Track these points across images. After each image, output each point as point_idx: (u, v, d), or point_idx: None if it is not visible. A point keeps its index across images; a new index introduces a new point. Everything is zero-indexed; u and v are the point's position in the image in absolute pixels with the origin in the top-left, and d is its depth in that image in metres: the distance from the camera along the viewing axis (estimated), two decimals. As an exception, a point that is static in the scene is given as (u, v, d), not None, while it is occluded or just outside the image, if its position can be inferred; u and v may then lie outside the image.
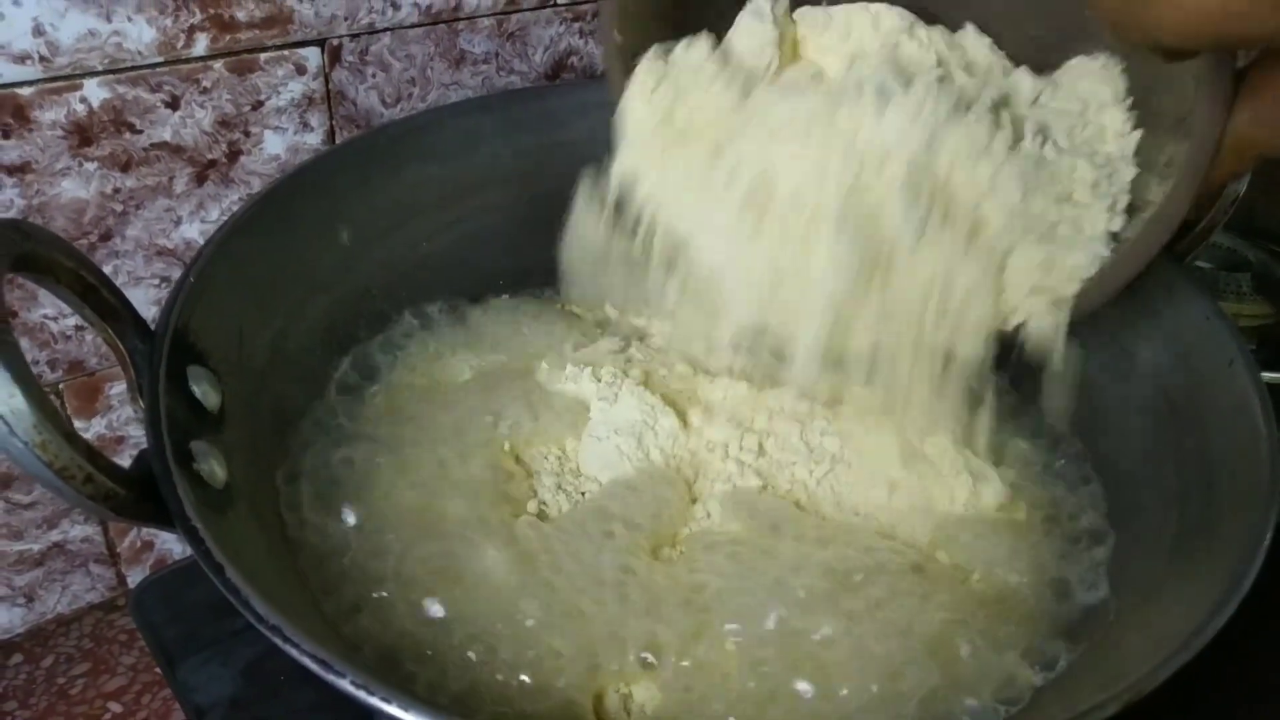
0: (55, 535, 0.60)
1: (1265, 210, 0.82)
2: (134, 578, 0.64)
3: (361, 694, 0.26)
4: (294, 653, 0.27)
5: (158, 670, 0.61)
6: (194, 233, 0.56)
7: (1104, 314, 0.41)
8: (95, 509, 0.30)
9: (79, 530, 0.60)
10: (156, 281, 0.56)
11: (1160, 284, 0.43)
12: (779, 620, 0.40)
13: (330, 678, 0.26)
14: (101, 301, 0.36)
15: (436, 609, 0.40)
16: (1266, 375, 0.41)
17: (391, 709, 0.26)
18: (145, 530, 0.63)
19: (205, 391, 0.37)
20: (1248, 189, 0.49)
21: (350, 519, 0.43)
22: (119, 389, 0.58)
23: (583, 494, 0.47)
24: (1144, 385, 0.45)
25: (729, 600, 0.41)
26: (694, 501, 0.47)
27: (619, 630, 0.40)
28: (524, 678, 0.38)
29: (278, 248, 0.45)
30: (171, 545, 0.65)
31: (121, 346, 0.36)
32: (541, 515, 0.45)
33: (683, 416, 0.49)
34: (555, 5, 0.64)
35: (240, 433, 0.39)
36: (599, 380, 0.50)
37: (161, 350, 0.36)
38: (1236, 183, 0.44)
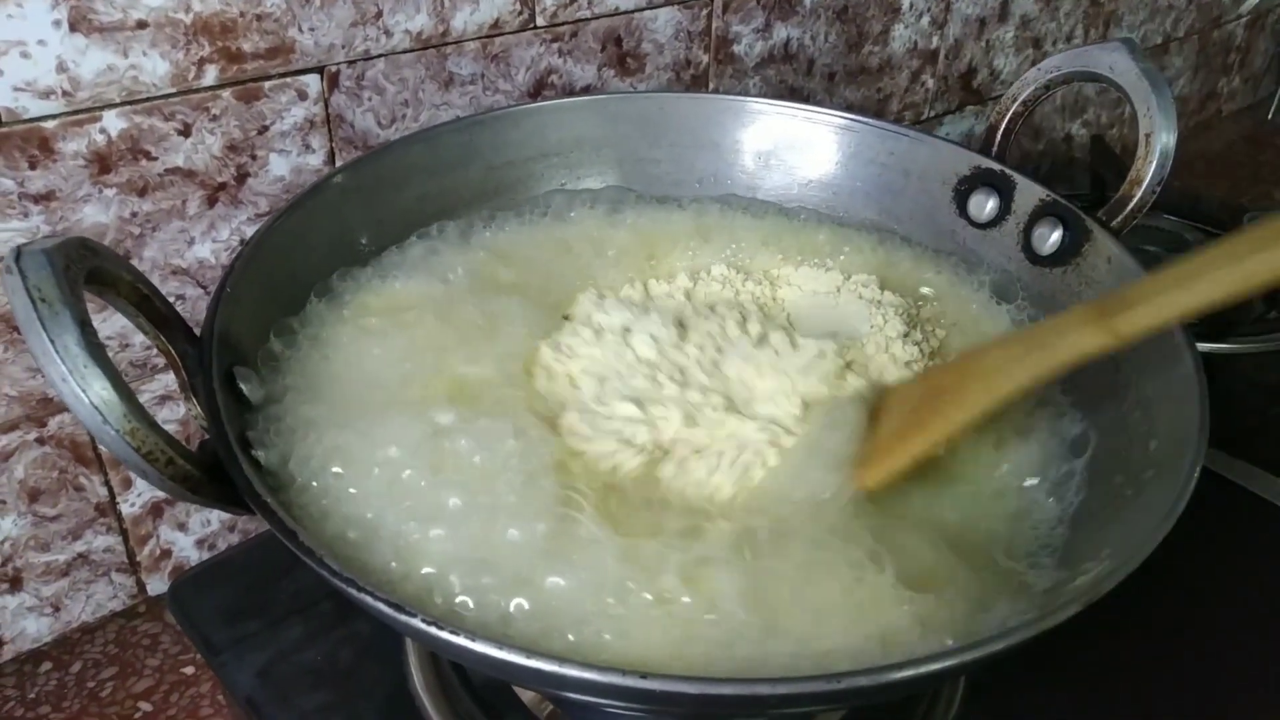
0: (79, 546, 0.63)
1: (1207, 195, 0.88)
2: (153, 586, 0.67)
3: (433, 629, 0.30)
4: (368, 599, 0.31)
5: (184, 670, 0.64)
6: (206, 252, 0.60)
7: (1048, 283, 0.46)
8: (176, 490, 0.33)
9: (102, 540, 0.63)
10: (171, 299, 0.59)
11: (1100, 255, 0.48)
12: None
13: (404, 618, 0.30)
14: (154, 311, 0.40)
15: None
16: (1203, 346, 0.45)
17: (460, 640, 0.30)
18: (163, 539, 0.66)
19: (251, 388, 0.41)
20: (1192, 179, 0.54)
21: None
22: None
23: None
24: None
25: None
26: None
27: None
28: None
29: (298, 260, 0.49)
30: (189, 553, 0.68)
31: (173, 351, 0.40)
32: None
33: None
34: (535, 28, 0.68)
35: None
36: None
37: (210, 352, 0.40)
38: (1163, 166, 0.49)
